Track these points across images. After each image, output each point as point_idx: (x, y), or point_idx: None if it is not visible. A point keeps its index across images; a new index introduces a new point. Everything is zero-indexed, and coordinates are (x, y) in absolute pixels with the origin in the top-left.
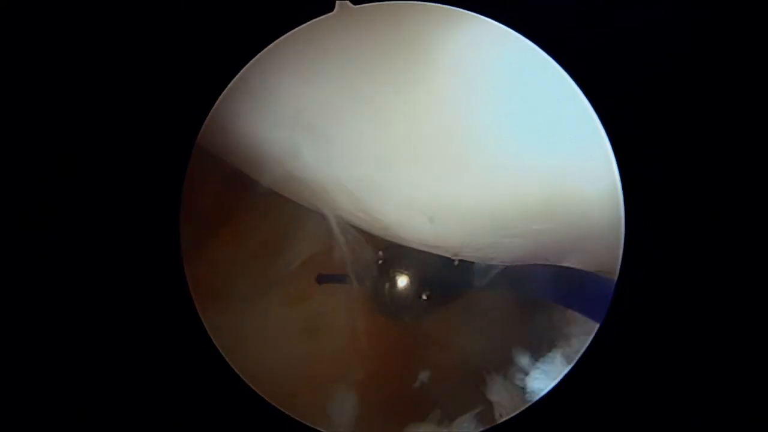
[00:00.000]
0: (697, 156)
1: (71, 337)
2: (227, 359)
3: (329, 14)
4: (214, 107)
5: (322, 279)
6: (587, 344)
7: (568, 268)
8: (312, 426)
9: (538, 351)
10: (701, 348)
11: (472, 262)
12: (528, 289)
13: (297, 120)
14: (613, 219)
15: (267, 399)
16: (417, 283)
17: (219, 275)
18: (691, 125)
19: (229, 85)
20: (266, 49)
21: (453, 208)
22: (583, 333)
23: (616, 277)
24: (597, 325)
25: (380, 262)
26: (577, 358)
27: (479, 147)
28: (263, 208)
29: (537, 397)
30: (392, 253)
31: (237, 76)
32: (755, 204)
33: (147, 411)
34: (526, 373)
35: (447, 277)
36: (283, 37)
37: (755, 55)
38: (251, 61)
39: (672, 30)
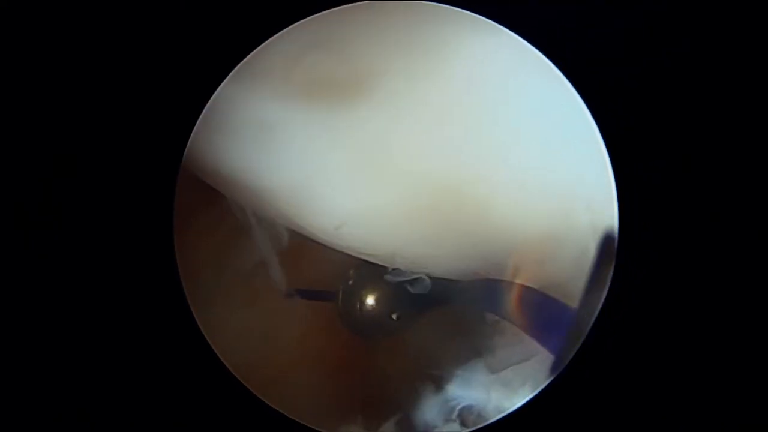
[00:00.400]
0: (696, 159)
1: (71, 333)
2: (216, 351)
3: (349, 6)
4: (199, 119)
5: (300, 294)
6: (527, 362)
7: (522, 286)
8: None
9: (463, 359)
10: (697, 354)
11: (403, 272)
12: (471, 301)
13: (271, 119)
14: (584, 251)
15: (250, 388)
16: (387, 304)
17: (207, 271)
18: (691, 128)
19: (223, 83)
20: (272, 38)
21: (386, 216)
22: (508, 344)
23: (576, 306)
24: (540, 348)
25: (350, 282)
26: (502, 369)
27: (449, 154)
28: (233, 206)
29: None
30: (362, 274)
31: (231, 72)
32: (758, 210)
33: (142, 406)
34: (448, 381)
35: (411, 297)
36: (296, 23)
37: (757, 57)
38: (253, 51)
39: (674, 32)
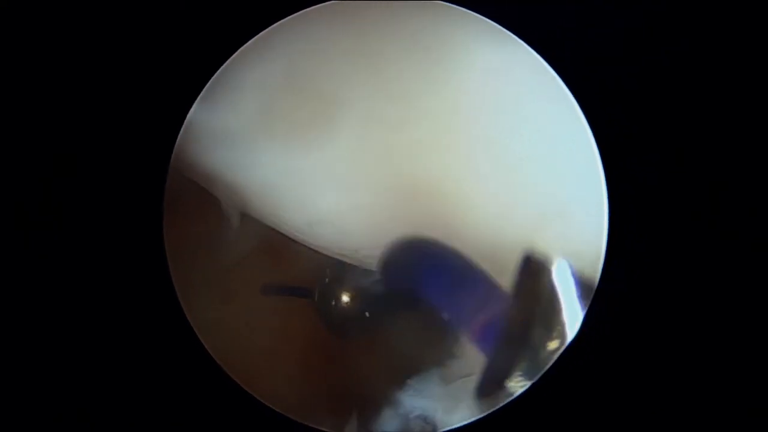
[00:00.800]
0: (696, 161)
1: (70, 327)
2: (202, 340)
3: (318, 6)
4: (188, 115)
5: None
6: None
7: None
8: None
9: (425, 366)
10: (689, 357)
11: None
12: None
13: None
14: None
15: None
16: (362, 302)
17: (195, 265)
18: (692, 130)
19: (207, 84)
20: (255, 38)
21: (356, 216)
22: (461, 356)
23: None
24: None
25: (326, 280)
26: (454, 381)
27: (424, 157)
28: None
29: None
30: (338, 272)
31: (218, 71)
32: (755, 214)
33: (133, 393)
34: (409, 388)
35: (385, 298)
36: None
37: (757, 57)
38: (236, 53)
39: (673, 32)
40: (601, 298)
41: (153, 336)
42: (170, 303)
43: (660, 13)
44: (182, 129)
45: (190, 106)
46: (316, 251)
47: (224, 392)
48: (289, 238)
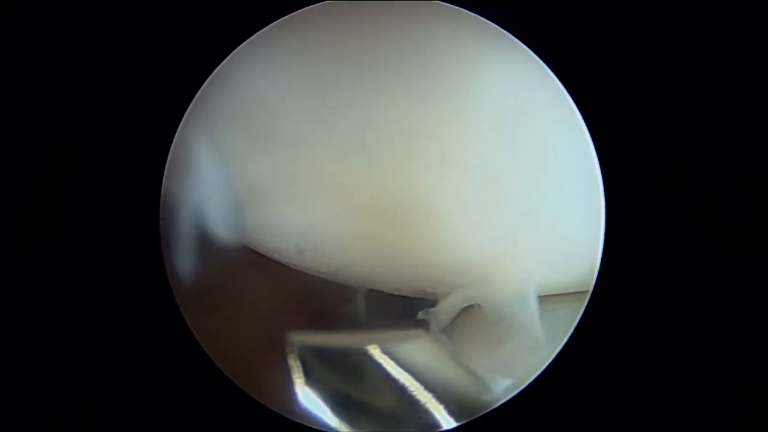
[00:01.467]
0: (693, 169)
1: (70, 328)
2: (198, 339)
3: (309, 8)
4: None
5: None
6: None
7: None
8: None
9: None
10: (680, 373)
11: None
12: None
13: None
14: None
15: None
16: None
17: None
18: (691, 136)
19: (202, 86)
20: (249, 39)
21: (333, 235)
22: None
23: None
24: None
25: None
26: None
27: (398, 172)
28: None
29: None
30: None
31: (212, 74)
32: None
33: (130, 389)
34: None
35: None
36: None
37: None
38: (230, 55)
39: (674, 34)
40: (597, 306)
41: (152, 338)
42: (169, 305)
43: (659, 14)
44: (175, 136)
45: (187, 107)
46: (302, 271)
47: (224, 394)
48: (276, 261)
